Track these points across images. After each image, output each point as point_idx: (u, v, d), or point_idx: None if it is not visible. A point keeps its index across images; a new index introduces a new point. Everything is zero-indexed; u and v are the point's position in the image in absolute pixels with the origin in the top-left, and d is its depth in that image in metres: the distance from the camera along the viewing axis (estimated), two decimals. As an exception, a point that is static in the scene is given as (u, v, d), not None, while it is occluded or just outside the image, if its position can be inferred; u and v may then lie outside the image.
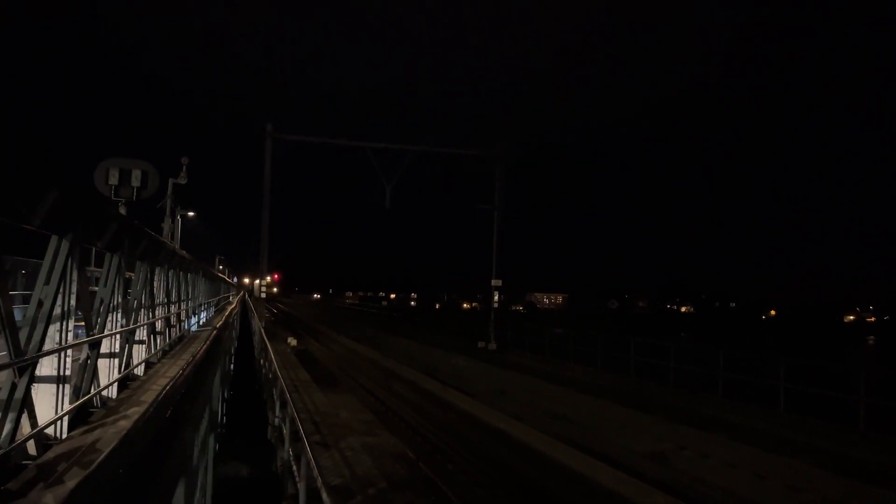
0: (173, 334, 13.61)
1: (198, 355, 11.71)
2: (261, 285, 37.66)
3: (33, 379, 4.75)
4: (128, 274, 8.79)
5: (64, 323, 5.31)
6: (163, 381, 8.51)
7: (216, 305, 36.89)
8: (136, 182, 12.71)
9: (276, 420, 13.29)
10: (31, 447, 4.69)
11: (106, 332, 6.93)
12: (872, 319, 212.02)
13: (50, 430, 5.11)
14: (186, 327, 14.10)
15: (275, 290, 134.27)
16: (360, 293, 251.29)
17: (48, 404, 5.24)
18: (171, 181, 23.37)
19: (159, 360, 10.98)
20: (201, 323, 22.27)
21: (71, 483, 4.17)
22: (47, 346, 5.05)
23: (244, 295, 72.93)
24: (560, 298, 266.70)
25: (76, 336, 5.96)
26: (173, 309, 14.04)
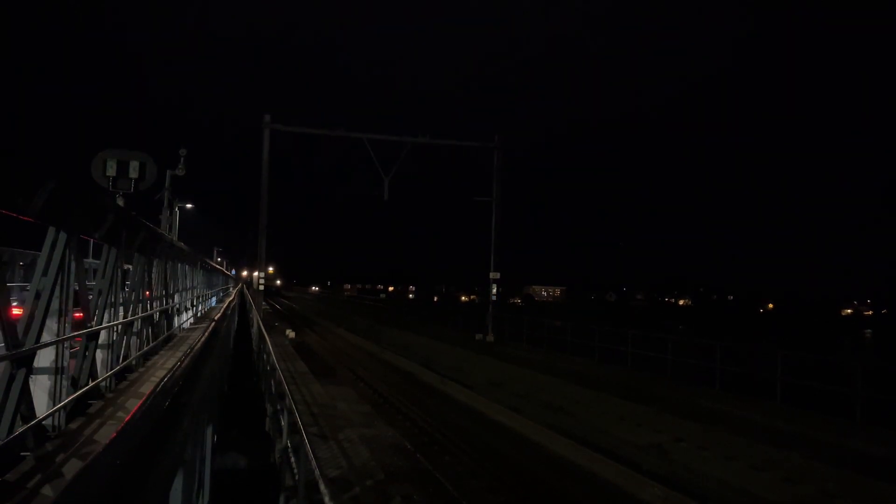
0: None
1: (196, 347, 11.70)
2: (259, 277, 37.27)
3: (31, 370, 4.75)
4: (125, 265, 8.78)
5: (62, 314, 5.30)
6: (161, 373, 8.51)
7: (214, 297, 36.86)
8: (133, 173, 12.64)
9: (275, 411, 13.30)
10: (30, 439, 4.69)
11: (104, 324, 6.92)
12: (870, 313, 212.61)
13: (48, 422, 5.11)
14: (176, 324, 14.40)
15: (278, 282, 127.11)
16: (359, 285, 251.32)
17: (46, 396, 5.23)
18: (168, 172, 23.30)
19: (157, 352, 10.98)
20: (199, 315, 22.26)
21: (69, 474, 4.18)
22: (45, 338, 5.04)
23: (242, 287, 72.77)
24: (558, 291, 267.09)
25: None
26: (173, 301, 14.05)
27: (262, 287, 36.87)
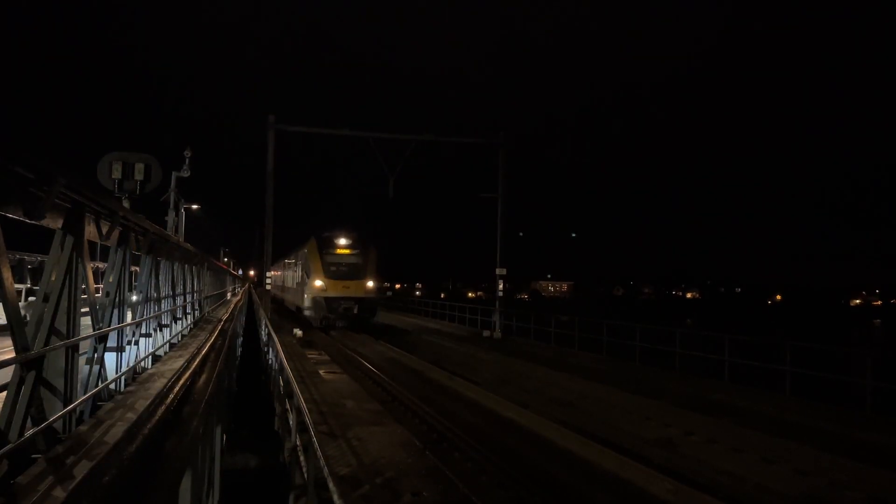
0: (175, 329, 13.67)
1: (204, 348, 11.76)
2: (266, 275, 37.16)
3: (41, 373, 4.77)
4: (133, 268, 8.82)
5: (70, 317, 5.32)
6: (169, 374, 8.54)
7: (221, 298, 36.97)
8: (139, 175, 12.72)
9: (283, 410, 13.33)
10: (41, 441, 4.72)
11: (112, 326, 6.95)
12: (879, 303, 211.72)
13: (58, 424, 5.14)
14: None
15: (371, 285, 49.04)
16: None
17: (56, 398, 5.26)
18: (174, 174, 23.37)
19: (166, 353, 11.03)
20: (206, 314, 22.32)
21: (79, 475, 4.20)
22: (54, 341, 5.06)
23: (249, 287, 72.91)
24: (565, 286, 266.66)
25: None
26: (179, 301, 14.09)
27: (269, 285, 36.88)
